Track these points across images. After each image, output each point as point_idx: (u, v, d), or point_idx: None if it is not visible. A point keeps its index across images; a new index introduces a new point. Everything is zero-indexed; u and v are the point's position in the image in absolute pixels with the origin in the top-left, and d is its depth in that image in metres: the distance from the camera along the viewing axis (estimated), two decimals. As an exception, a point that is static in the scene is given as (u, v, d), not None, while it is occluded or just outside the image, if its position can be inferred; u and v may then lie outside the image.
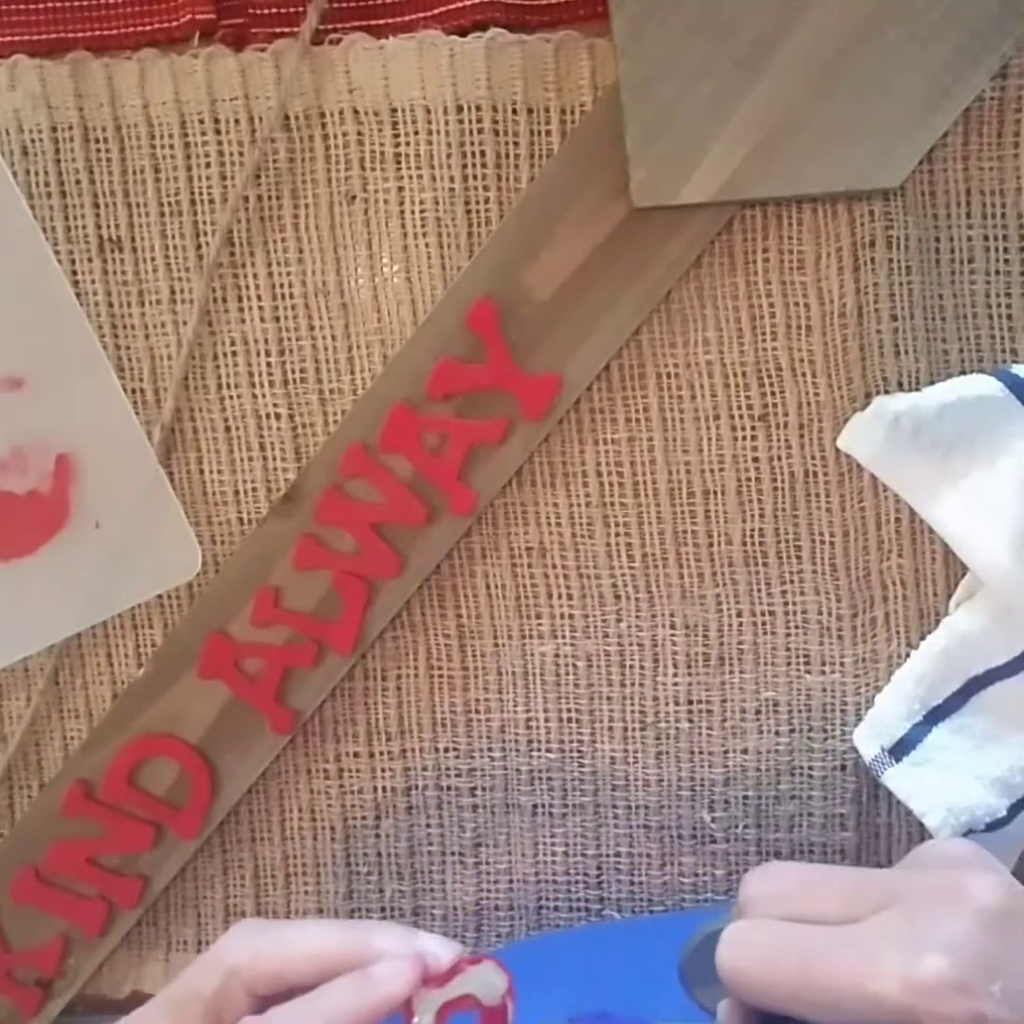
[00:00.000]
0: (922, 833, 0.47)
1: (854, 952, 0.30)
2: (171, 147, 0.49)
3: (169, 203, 0.49)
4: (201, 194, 0.49)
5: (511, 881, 0.53)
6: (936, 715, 0.47)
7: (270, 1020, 0.33)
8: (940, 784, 0.46)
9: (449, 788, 0.52)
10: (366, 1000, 0.33)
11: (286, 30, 0.48)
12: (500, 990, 0.33)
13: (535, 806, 0.52)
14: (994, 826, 0.47)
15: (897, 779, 0.46)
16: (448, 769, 0.52)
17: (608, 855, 0.52)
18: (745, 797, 0.51)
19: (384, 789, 0.53)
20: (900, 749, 0.47)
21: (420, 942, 0.35)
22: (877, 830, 0.51)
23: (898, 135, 0.45)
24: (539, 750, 0.52)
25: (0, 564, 0.51)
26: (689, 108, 0.45)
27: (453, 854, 0.53)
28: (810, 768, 0.50)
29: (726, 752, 0.51)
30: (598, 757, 0.52)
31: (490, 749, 0.52)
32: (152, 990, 0.54)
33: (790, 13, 0.45)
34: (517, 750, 0.52)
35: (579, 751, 0.52)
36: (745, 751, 0.51)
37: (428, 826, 0.53)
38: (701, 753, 0.51)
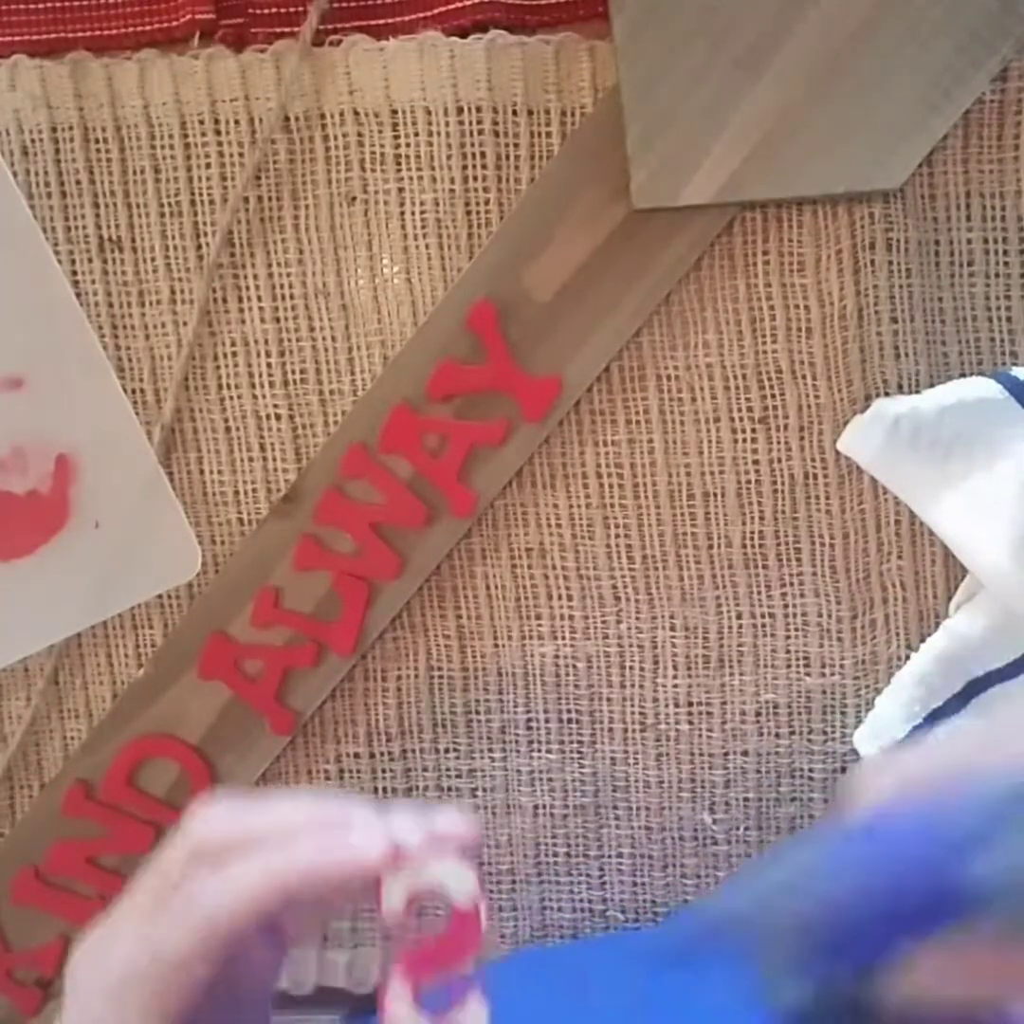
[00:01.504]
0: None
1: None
2: (171, 148, 0.49)
3: (169, 203, 0.49)
4: (201, 195, 0.49)
5: (514, 881, 0.53)
6: (937, 717, 0.47)
7: (228, 863, 0.30)
8: None
9: (450, 789, 0.53)
10: (336, 855, 0.30)
11: (286, 30, 0.48)
12: (470, 889, 0.31)
13: (536, 807, 0.53)
14: None
15: None
16: (448, 770, 0.52)
17: (610, 856, 0.53)
18: (746, 799, 0.51)
19: (385, 790, 0.53)
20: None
21: (393, 819, 0.31)
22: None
23: (898, 137, 0.45)
24: (539, 751, 0.52)
25: (0, 564, 0.51)
26: (689, 110, 0.45)
27: (455, 854, 0.53)
28: (811, 770, 0.51)
29: (726, 754, 0.51)
30: (598, 758, 0.52)
31: (490, 750, 0.52)
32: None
33: (789, 15, 0.45)
34: (517, 751, 0.52)
35: (579, 752, 0.52)
36: (745, 753, 0.51)
37: (429, 827, 0.53)
38: (701, 755, 0.51)
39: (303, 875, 0.30)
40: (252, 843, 0.31)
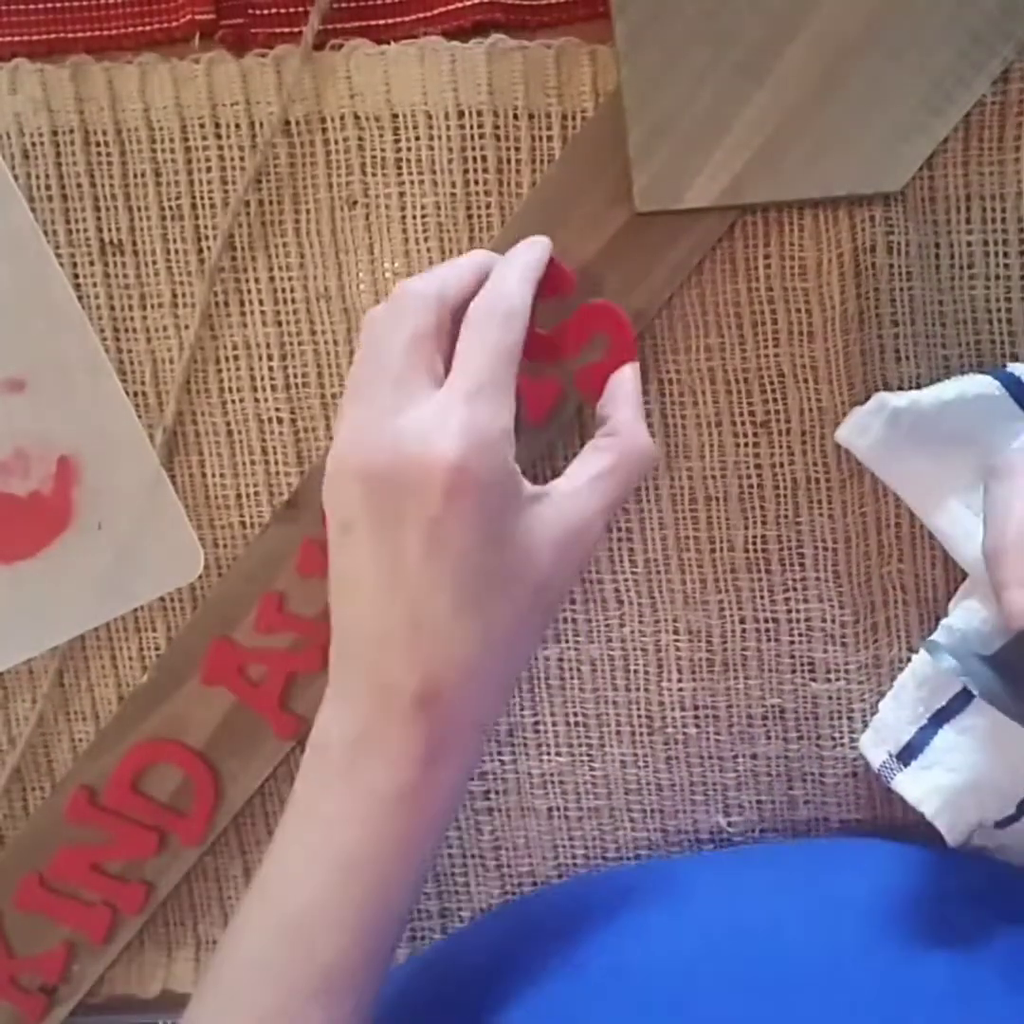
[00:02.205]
0: (938, 835, 0.47)
1: None
2: (172, 151, 0.49)
3: (170, 207, 0.49)
4: (202, 198, 0.49)
5: (535, 882, 0.53)
6: (941, 717, 0.47)
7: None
8: (949, 786, 0.46)
9: (463, 791, 0.53)
10: (539, 250, 0.42)
11: (286, 30, 0.48)
12: None
13: (550, 809, 0.53)
14: (1004, 823, 0.47)
15: (906, 784, 0.46)
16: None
17: (628, 858, 0.53)
18: (759, 801, 0.51)
19: (390, 791, 0.53)
20: (907, 753, 0.47)
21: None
22: (894, 835, 0.51)
23: (899, 140, 0.45)
24: (549, 754, 0.52)
25: (2, 566, 0.51)
26: (691, 114, 0.45)
27: (474, 856, 0.53)
28: (822, 775, 0.51)
29: (736, 757, 0.51)
30: (608, 761, 0.52)
31: (500, 753, 0.52)
32: (182, 988, 0.55)
33: (791, 19, 0.45)
34: (527, 754, 0.52)
35: (589, 755, 0.52)
36: (754, 756, 0.51)
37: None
38: (710, 758, 0.51)
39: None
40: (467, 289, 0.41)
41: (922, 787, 0.46)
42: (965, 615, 0.47)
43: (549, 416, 0.48)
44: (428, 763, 0.38)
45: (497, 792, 0.53)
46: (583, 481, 0.40)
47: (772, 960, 0.42)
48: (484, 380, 0.38)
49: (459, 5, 0.47)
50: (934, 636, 0.47)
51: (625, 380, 0.44)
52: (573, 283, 0.45)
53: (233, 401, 0.51)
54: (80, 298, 0.50)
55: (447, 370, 0.39)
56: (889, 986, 0.40)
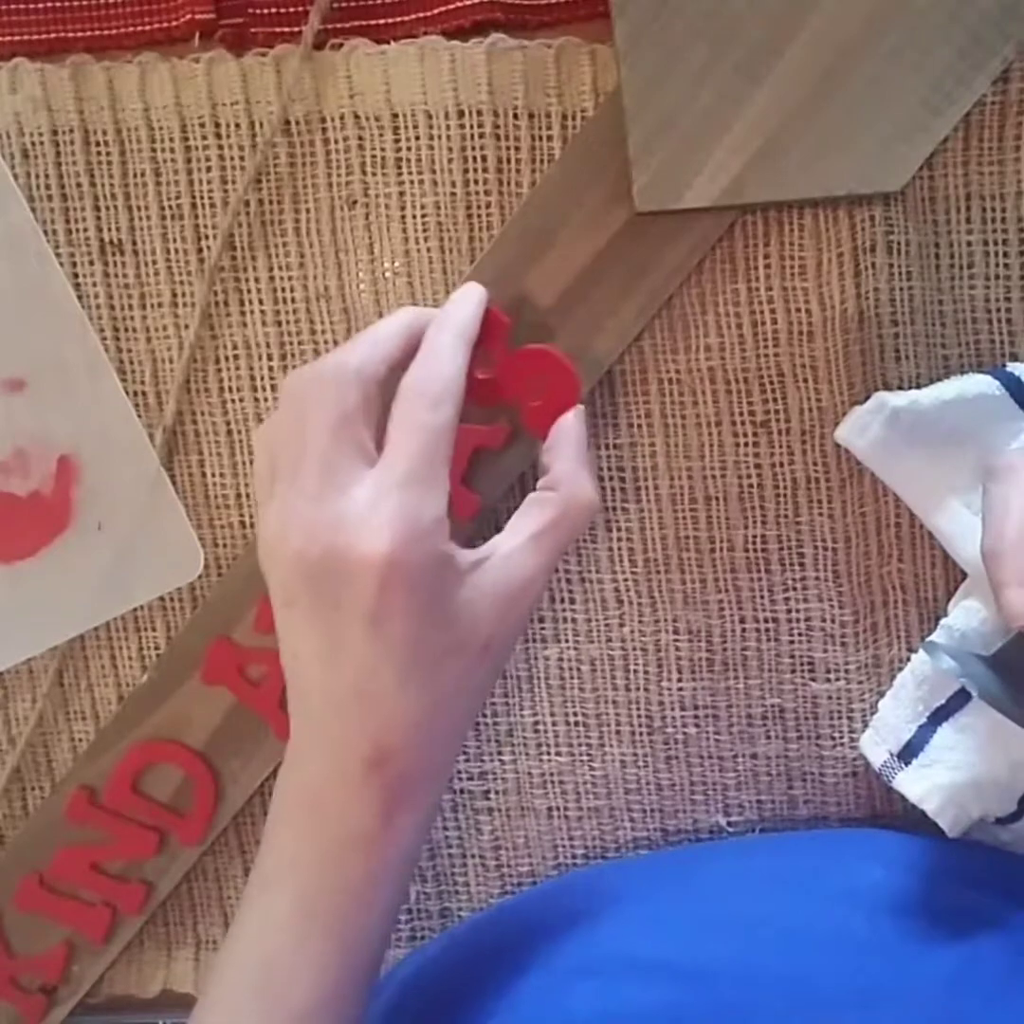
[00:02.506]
0: (938, 833, 0.47)
1: None
2: (172, 151, 0.49)
3: (170, 207, 0.49)
4: (202, 198, 0.49)
5: (535, 882, 0.53)
6: (939, 715, 0.47)
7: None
8: (950, 784, 0.46)
9: (462, 791, 0.53)
10: (473, 305, 0.43)
11: (286, 30, 0.48)
12: None
13: (550, 809, 0.53)
14: (1006, 821, 0.47)
15: (908, 783, 0.46)
16: (460, 772, 0.52)
17: (629, 856, 0.53)
18: (758, 802, 0.51)
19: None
20: (908, 752, 0.47)
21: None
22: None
23: (899, 139, 0.45)
24: (548, 754, 0.52)
25: (2, 566, 0.51)
26: (691, 113, 0.45)
27: (474, 856, 0.54)
28: (822, 775, 0.51)
29: (736, 757, 0.51)
30: (608, 761, 0.52)
31: (500, 752, 0.52)
32: (182, 988, 0.55)
33: (791, 18, 0.45)
34: (527, 754, 0.52)
35: (589, 754, 0.52)
36: (754, 756, 0.51)
37: (446, 828, 0.53)
38: (710, 758, 0.51)
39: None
40: (392, 355, 0.41)
41: (924, 785, 0.46)
42: (964, 615, 0.47)
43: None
44: (384, 816, 0.39)
45: (497, 792, 0.53)
46: (523, 538, 0.41)
47: (781, 948, 0.42)
48: (415, 466, 0.38)
49: (459, 5, 0.47)
50: (933, 636, 0.47)
51: (568, 428, 0.44)
52: (508, 329, 0.45)
53: (233, 401, 0.51)
54: (80, 298, 0.50)
55: (378, 441, 0.39)
56: (896, 972, 0.40)
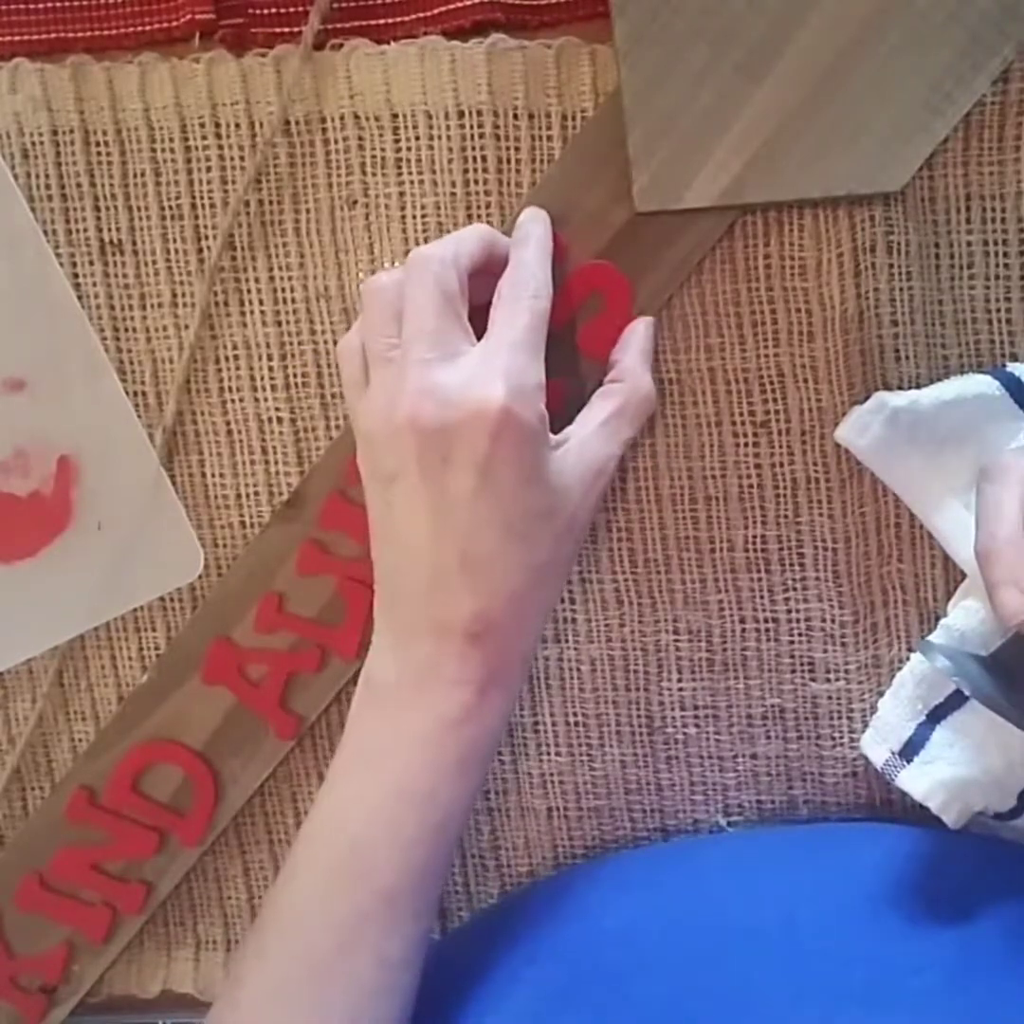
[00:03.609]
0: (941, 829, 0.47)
1: None
2: (172, 151, 0.49)
3: (170, 207, 0.49)
4: (202, 198, 0.49)
5: (534, 883, 0.53)
6: (938, 714, 0.47)
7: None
8: (953, 780, 0.46)
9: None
10: (544, 223, 0.45)
11: (286, 30, 0.48)
12: None
13: (550, 809, 0.53)
14: (1005, 817, 0.47)
15: (911, 781, 0.46)
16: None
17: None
18: (759, 802, 0.51)
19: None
20: (909, 750, 0.47)
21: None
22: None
23: (899, 139, 0.45)
24: (548, 754, 0.52)
25: (2, 566, 0.51)
26: (691, 114, 0.45)
27: (474, 856, 0.54)
28: (822, 775, 0.51)
29: (736, 757, 0.51)
30: (608, 761, 0.52)
31: (499, 752, 0.52)
32: (182, 988, 0.55)
33: (791, 18, 0.44)
34: (527, 754, 0.52)
35: (589, 755, 0.52)
36: (754, 756, 0.51)
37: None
38: (711, 758, 0.51)
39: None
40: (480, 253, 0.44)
41: (927, 783, 0.46)
42: (964, 615, 0.47)
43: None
44: (482, 690, 0.42)
45: (497, 792, 0.53)
46: (594, 427, 0.44)
47: (782, 942, 0.42)
48: (521, 338, 0.41)
49: (459, 5, 0.47)
50: (933, 635, 0.47)
51: (637, 329, 0.47)
52: (566, 250, 0.47)
53: (233, 401, 0.51)
54: (80, 298, 0.50)
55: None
56: (897, 965, 0.40)
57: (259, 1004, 0.42)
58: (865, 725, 0.49)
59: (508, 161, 0.48)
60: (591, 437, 0.44)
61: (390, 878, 0.41)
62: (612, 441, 0.45)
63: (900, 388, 0.47)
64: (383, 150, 0.48)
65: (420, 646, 0.42)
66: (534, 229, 0.45)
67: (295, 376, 0.50)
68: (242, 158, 0.49)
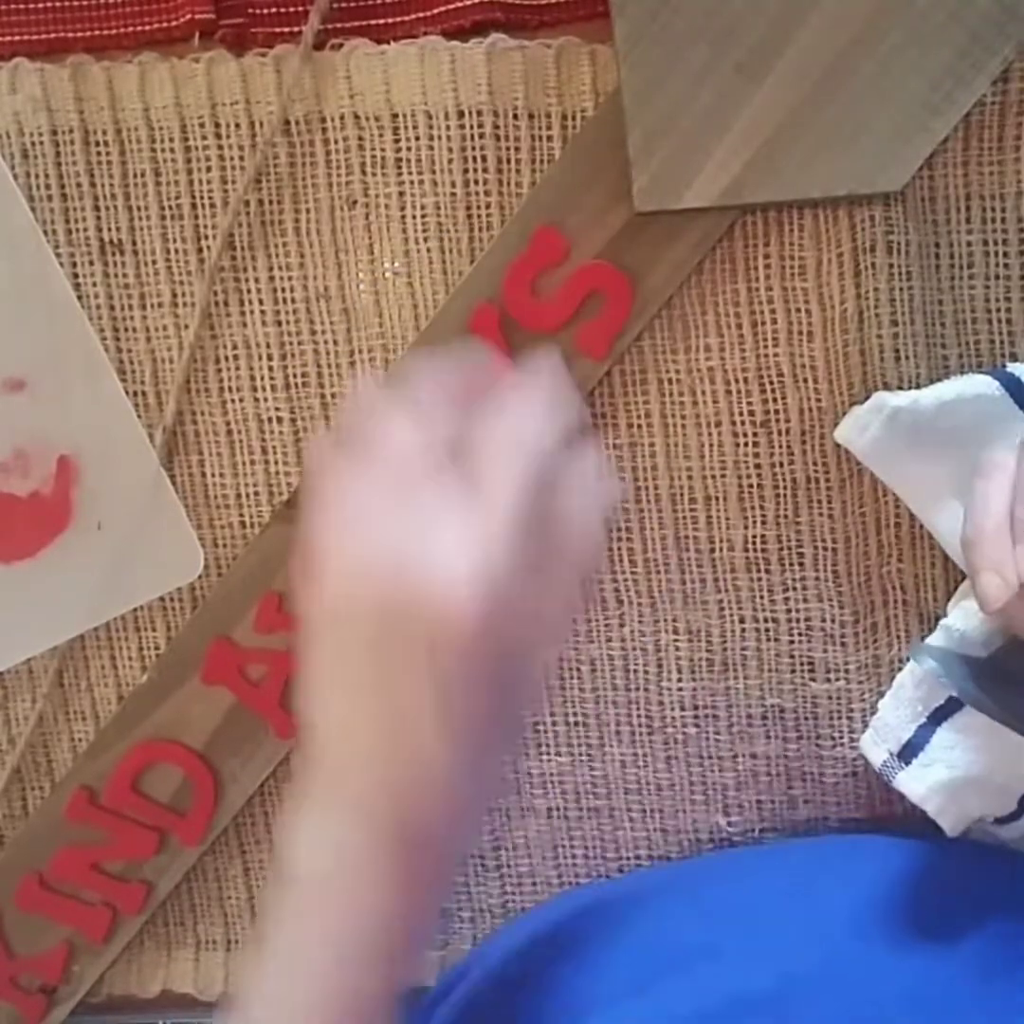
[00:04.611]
0: (936, 830, 0.47)
1: None
2: (172, 151, 0.49)
3: (170, 207, 0.49)
4: (202, 198, 0.49)
5: (534, 883, 0.54)
6: (939, 716, 0.47)
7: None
8: (950, 784, 0.46)
9: (461, 790, 0.53)
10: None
11: (286, 30, 0.48)
12: None
13: (550, 809, 0.53)
14: (1005, 820, 0.47)
15: (909, 782, 0.47)
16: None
17: (628, 858, 0.53)
18: (758, 801, 0.52)
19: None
20: (908, 752, 0.47)
21: None
22: (893, 833, 0.51)
23: (899, 139, 0.45)
24: (549, 754, 0.52)
25: (2, 566, 0.51)
26: (691, 113, 0.45)
27: (474, 856, 0.54)
28: (821, 774, 0.51)
29: (736, 757, 0.51)
30: (608, 761, 0.52)
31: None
32: (182, 988, 0.55)
33: (791, 18, 0.44)
34: (527, 754, 0.52)
35: (589, 755, 0.52)
36: (754, 756, 0.51)
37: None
38: (710, 758, 0.51)
39: None
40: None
41: (925, 785, 0.46)
42: (964, 615, 0.47)
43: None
44: (406, 895, 0.37)
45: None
46: None
47: (776, 963, 0.42)
48: (508, 520, 0.34)
49: (459, 5, 0.47)
50: (933, 636, 0.47)
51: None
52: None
53: (233, 401, 0.51)
54: (80, 298, 0.50)
55: None
56: (898, 988, 0.40)
57: None
58: (865, 725, 0.49)
59: (508, 161, 0.48)
60: None
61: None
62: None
63: (900, 388, 0.47)
64: (383, 150, 0.48)
65: (347, 837, 0.36)
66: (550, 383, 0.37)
67: (295, 376, 0.50)
68: (242, 158, 0.49)
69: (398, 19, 0.48)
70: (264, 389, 0.50)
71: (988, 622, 0.46)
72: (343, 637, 0.36)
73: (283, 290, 0.50)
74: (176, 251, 0.50)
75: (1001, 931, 0.42)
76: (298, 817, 0.38)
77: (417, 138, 0.48)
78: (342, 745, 0.37)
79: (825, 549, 0.49)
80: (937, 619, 0.47)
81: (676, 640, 0.50)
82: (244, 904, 0.55)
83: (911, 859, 0.47)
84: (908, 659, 0.49)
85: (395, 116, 0.48)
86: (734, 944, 0.44)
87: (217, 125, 0.49)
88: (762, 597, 0.50)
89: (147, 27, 0.49)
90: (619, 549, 0.50)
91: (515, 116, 0.47)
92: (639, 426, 0.49)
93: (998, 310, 0.47)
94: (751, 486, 0.49)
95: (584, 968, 0.45)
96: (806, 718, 0.50)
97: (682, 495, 0.49)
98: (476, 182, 0.48)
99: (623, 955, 0.45)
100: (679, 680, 0.51)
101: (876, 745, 0.48)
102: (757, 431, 0.49)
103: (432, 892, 0.39)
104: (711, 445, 0.49)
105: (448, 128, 0.47)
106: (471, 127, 0.47)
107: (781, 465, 0.49)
